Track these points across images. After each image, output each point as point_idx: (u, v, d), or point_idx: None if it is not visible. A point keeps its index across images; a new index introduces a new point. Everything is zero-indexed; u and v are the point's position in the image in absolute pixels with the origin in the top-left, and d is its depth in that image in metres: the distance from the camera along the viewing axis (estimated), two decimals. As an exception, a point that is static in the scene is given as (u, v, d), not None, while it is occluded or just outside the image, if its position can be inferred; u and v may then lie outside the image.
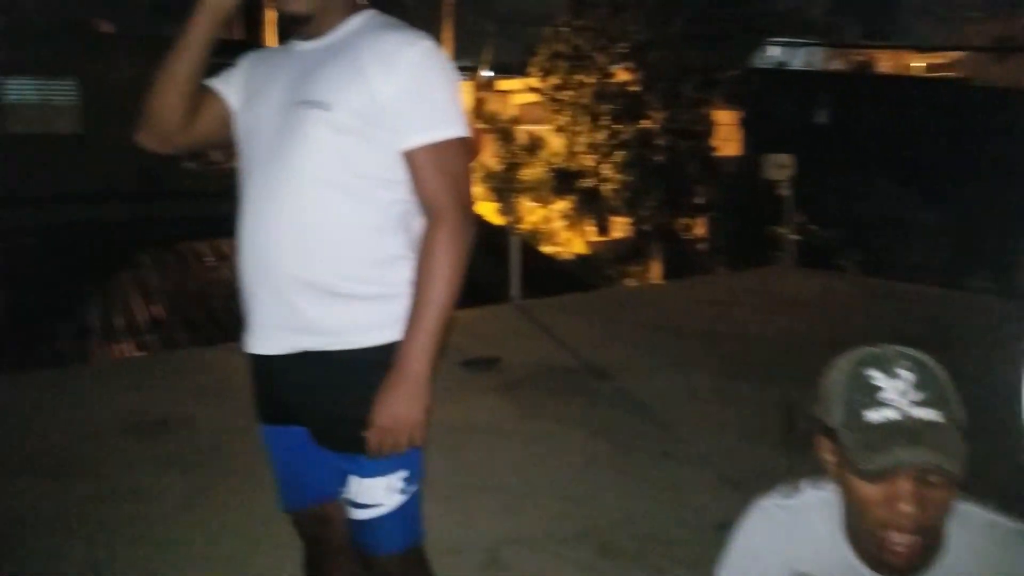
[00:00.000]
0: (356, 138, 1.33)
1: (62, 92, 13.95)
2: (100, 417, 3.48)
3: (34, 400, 3.75)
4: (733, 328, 5.08)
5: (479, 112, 16.43)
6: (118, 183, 12.31)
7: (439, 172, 1.33)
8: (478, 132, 14.95)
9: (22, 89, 13.82)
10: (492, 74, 19.13)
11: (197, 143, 1.51)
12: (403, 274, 1.37)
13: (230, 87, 1.49)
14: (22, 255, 9.99)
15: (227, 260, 9.87)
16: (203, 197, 10.45)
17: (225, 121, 1.48)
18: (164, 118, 1.43)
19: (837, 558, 1.05)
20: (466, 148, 1.38)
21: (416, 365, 1.31)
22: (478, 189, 13.83)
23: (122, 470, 2.98)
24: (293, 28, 1.45)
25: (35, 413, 3.58)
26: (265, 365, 1.44)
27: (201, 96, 1.46)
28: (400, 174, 1.36)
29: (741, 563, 1.13)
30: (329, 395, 1.39)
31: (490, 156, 15.72)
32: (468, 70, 17.79)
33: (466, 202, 1.38)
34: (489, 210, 13.54)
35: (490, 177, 15.57)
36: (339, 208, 1.34)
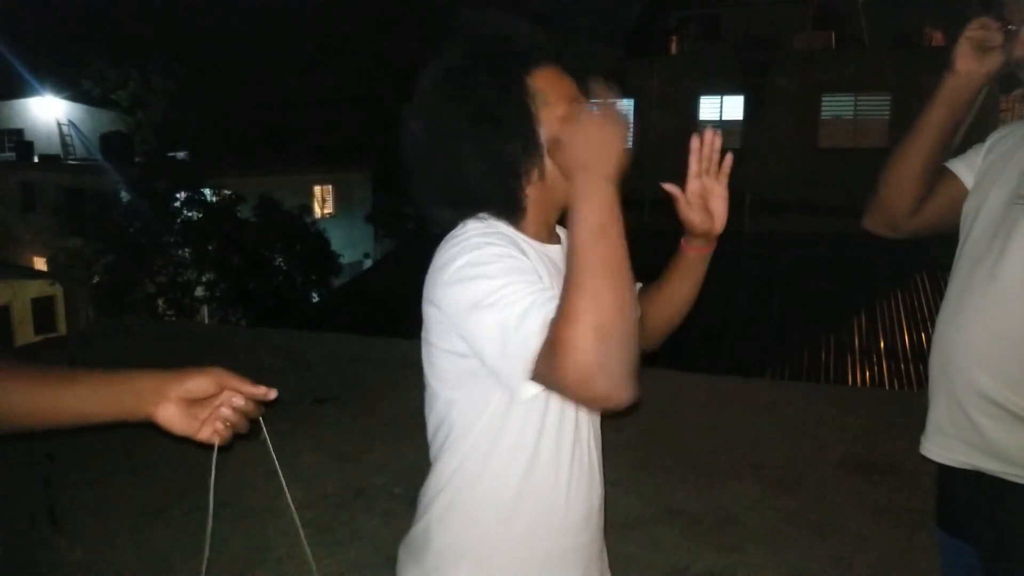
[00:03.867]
0: None
1: (876, 108, 14.44)
2: (826, 442, 3.47)
3: (818, 409, 3.77)
4: None
5: None
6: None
7: None
8: None
9: (840, 105, 14.88)
10: None
11: (924, 229, 1.37)
12: None
13: (968, 168, 1.32)
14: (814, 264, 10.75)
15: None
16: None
17: (960, 207, 1.31)
18: (895, 202, 1.34)
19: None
20: None
21: None
22: None
23: (832, 506, 2.91)
24: None
25: (801, 419, 3.66)
26: (944, 472, 1.31)
27: (938, 177, 1.32)
28: None
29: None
30: (1007, 532, 1.20)
31: None
32: None
33: None
34: None
35: None
36: None
